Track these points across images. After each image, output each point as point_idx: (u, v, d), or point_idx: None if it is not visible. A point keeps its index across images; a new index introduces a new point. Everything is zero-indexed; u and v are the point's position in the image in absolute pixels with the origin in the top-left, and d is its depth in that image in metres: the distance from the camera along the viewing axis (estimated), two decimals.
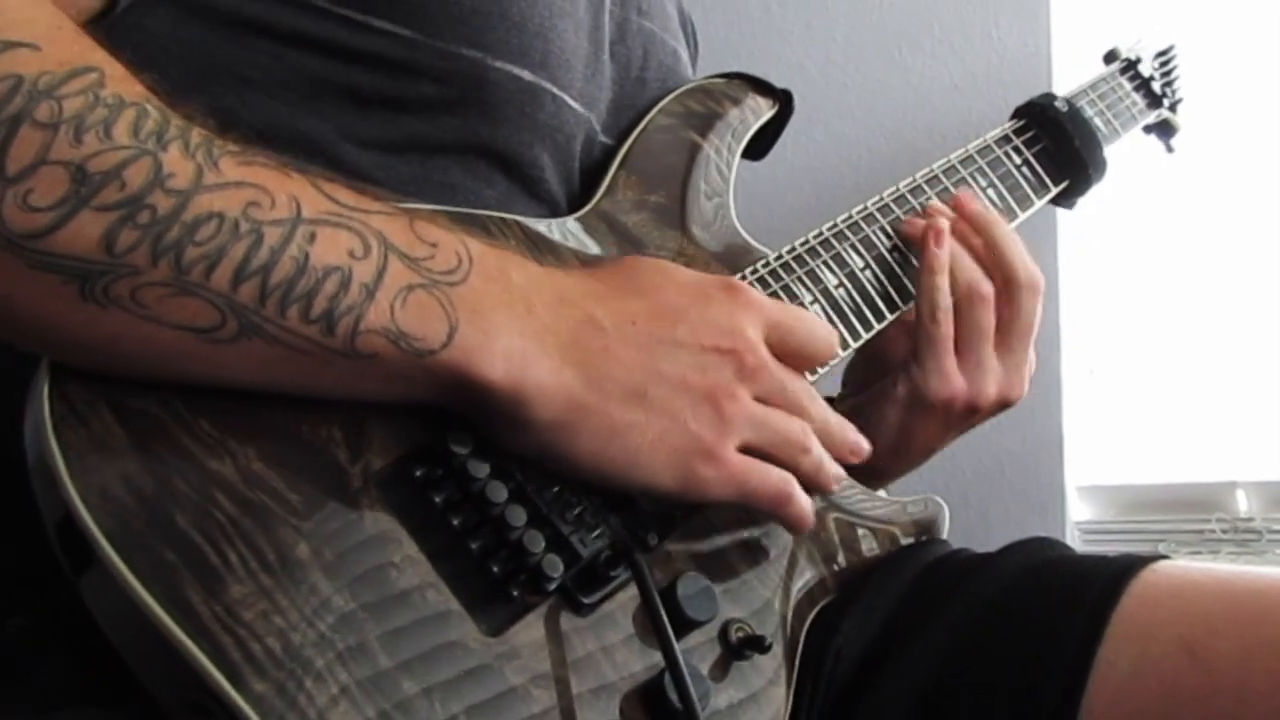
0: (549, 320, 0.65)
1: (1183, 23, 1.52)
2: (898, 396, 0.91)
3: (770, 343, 0.72)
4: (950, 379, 0.89)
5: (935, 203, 0.96)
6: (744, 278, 0.84)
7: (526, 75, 0.79)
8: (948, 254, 0.90)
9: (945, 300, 0.89)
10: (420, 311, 0.61)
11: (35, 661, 0.61)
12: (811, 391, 0.74)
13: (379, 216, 0.62)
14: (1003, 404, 0.93)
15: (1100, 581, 0.78)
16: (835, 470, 0.75)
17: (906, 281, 0.92)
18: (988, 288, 0.90)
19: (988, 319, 0.90)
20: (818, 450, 0.73)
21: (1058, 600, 0.79)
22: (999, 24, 1.67)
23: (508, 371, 0.63)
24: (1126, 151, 1.33)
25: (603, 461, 0.66)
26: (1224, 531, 1.55)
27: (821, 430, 0.74)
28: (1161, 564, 0.80)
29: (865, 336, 0.88)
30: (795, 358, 0.74)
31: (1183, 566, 0.82)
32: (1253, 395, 1.59)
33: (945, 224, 0.91)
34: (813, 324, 0.76)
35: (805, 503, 0.72)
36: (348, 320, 0.59)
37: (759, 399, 0.71)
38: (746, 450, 0.70)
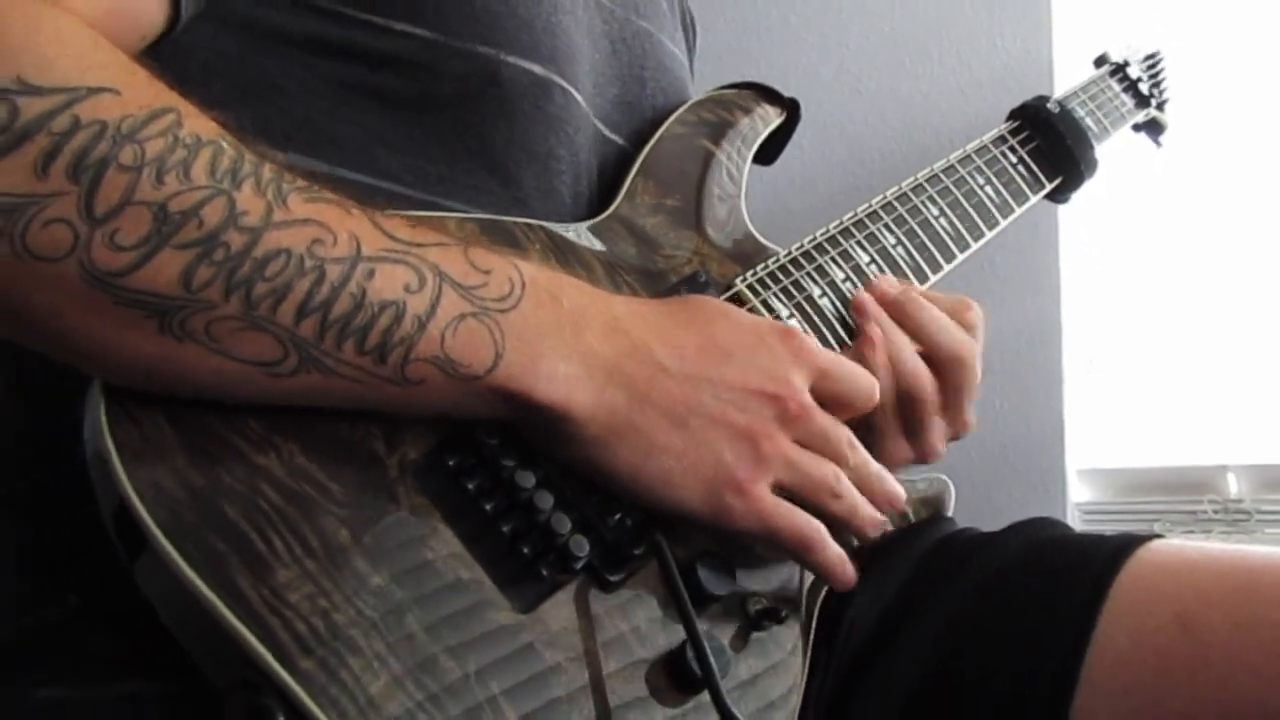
0: (597, 344, 0.65)
1: (1181, 29, 1.51)
2: None
3: (816, 390, 0.71)
4: (895, 455, 0.83)
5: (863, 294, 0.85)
6: (755, 273, 0.83)
7: (538, 69, 0.79)
8: (883, 356, 0.81)
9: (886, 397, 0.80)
10: (469, 339, 0.61)
11: (87, 636, 0.61)
12: (853, 440, 0.72)
13: (435, 249, 0.62)
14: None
15: (1099, 559, 0.78)
16: (871, 515, 0.72)
17: (908, 273, 0.91)
18: (927, 380, 0.82)
19: (931, 406, 0.83)
20: (850, 496, 0.71)
21: (1058, 577, 0.78)
22: (1003, 33, 1.66)
23: (551, 392, 0.63)
24: (1124, 156, 1.32)
25: (639, 478, 0.65)
26: (1216, 512, 1.54)
27: (861, 478, 0.72)
28: (1157, 543, 0.79)
29: None
30: (837, 405, 0.72)
31: (1177, 545, 0.81)
32: (1243, 384, 1.58)
33: (878, 333, 0.82)
34: (856, 374, 0.74)
35: (834, 554, 0.70)
36: (400, 351, 0.59)
37: (799, 443, 0.69)
38: (781, 491, 0.68)
